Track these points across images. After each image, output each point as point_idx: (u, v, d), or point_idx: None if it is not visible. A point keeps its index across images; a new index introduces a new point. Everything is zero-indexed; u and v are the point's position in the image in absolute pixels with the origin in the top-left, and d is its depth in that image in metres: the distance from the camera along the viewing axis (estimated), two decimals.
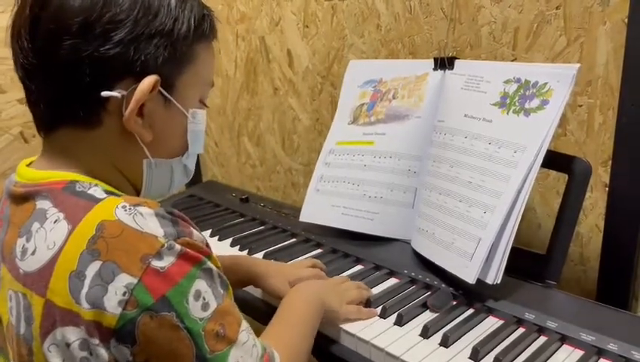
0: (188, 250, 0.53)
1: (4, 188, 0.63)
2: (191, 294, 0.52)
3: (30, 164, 0.63)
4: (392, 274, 0.94)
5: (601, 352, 0.70)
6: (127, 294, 0.50)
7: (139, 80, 0.58)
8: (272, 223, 1.18)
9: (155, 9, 0.58)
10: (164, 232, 0.53)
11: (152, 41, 0.57)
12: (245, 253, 1.04)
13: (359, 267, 0.97)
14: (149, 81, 0.58)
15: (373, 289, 0.88)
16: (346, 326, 0.78)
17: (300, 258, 1.00)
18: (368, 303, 0.83)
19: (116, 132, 0.60)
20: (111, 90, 0.57)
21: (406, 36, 1.20)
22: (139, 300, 0.50)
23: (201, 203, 1.36)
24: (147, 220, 0.53)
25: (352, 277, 0.92)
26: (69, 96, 0.58)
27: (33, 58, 0.57)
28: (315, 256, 1.01)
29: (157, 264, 0.51)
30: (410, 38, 1.19)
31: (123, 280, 0.50)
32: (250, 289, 0.92)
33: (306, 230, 1.11)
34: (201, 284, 0.54)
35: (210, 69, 0.67)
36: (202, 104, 0.67)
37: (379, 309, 0.82)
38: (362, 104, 1.12)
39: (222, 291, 0.56)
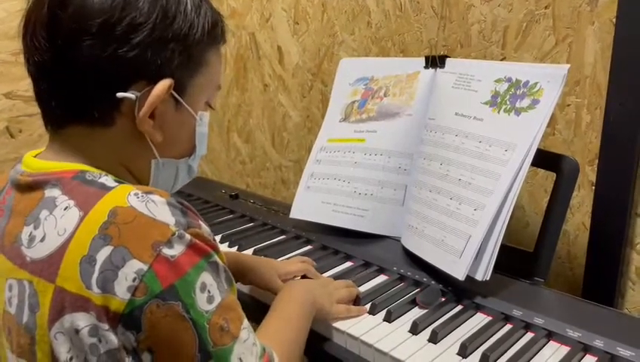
0: (197, 241, 0.54)
1: (9, 178, 0.63)
2: (197, 285, 0.53)
3: (36, 155, 0.63)
4: (381, 270, 0.94)
5: (587, 348, 0.71)
6: (136, 280, 0.50)
7: (152, 82, 0.58)
8: (262, 220, 1.18)
9: (172, 14, 0.58)
10: (176, 221, 0.53)
11: (168, 45, 0.58)
12: (235, 249, 1.04)
13: (349, 264, 0.98)
14: (163, 84, 0.58)
15: (362, 285, 0.88)
16: (336, 323, 0.79)
17: (289, 254, 1.00)
18: (357, 300, 0.84)
19: (127, 132, 0.60)
20: (125, 92, 0.57)
21: (396, 34, 1.20)
22: (148, 287, 0.50)
23: (191, 199, 1.36)
24: (159, 208, 0.54)
25: (342, 273, 0.92)
26: (84, 96, 0.58)
27: (50, 56, 0.57)
28: (305, 253, 1.01)
29: (167, 252, 0.51)
30: (401, 36, 1.19)
31: (134, 266, 0.50)
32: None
33: (296, 227, 1.11)
34: (207, 277, 0.54)
35: (219, 72, 0.68)
36: (208, 106, 0.68)
37: (368, 306, 0.82)
38: (354, 101, 1.13)
39: (226, 286, 0.57)
